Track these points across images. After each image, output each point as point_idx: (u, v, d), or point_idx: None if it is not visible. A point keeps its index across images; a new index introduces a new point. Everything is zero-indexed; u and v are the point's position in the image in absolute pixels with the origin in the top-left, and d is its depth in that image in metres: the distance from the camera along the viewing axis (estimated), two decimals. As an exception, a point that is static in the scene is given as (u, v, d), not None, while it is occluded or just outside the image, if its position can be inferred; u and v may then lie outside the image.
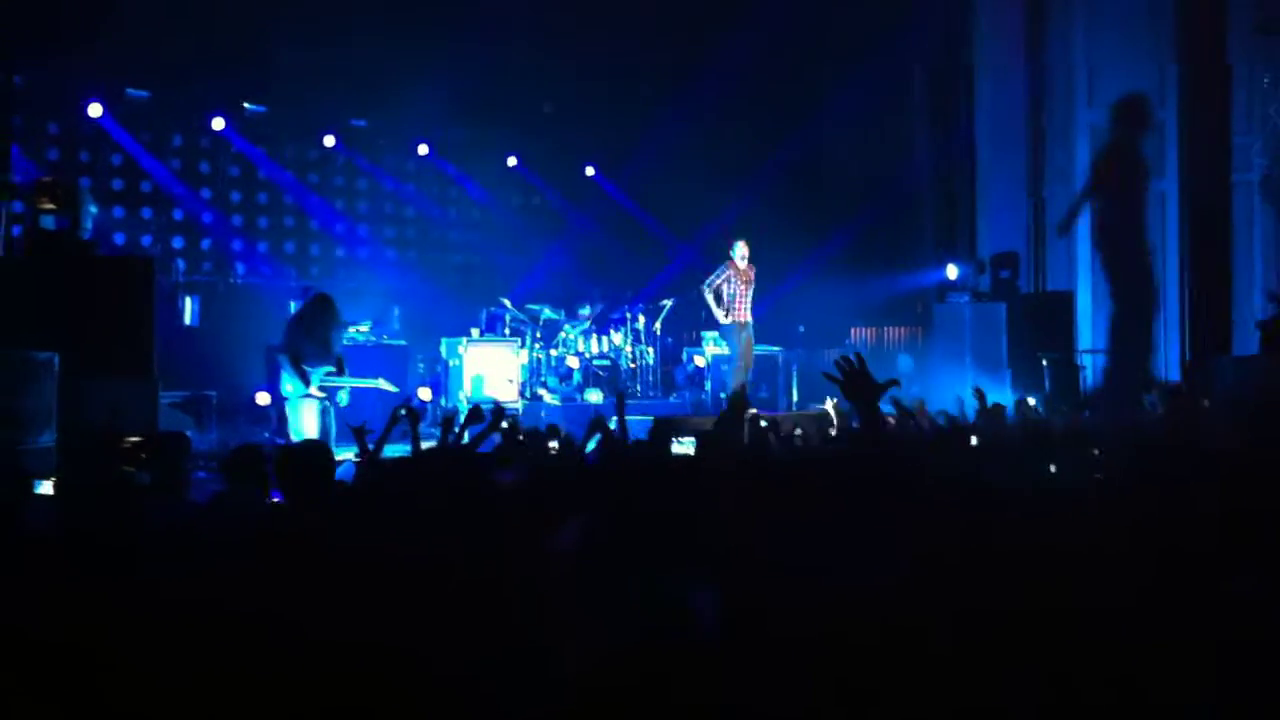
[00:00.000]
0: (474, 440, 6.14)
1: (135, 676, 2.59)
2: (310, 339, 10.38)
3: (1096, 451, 5.34)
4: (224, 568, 3.32)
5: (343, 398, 10.56)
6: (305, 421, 10.08)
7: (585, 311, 15.64)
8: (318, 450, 5.04)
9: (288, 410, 10.28)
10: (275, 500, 5.66)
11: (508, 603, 2.79)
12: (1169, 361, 15.26)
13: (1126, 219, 15.49)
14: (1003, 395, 11.75)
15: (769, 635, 2.53)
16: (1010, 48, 16.66)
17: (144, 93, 14.86)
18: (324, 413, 10.17)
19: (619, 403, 7.13)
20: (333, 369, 10.42)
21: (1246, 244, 15.13)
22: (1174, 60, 15.25)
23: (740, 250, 13.42)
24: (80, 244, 10.62)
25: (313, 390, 10.11)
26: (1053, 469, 4.84)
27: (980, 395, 8.52)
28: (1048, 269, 16.26)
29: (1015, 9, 16.61)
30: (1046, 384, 14.09)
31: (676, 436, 6.96)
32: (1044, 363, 14.29)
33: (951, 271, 16.40)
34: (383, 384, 11.15)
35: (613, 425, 6.31)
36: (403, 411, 6.03)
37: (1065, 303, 15.40)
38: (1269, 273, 14.91)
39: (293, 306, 13.96)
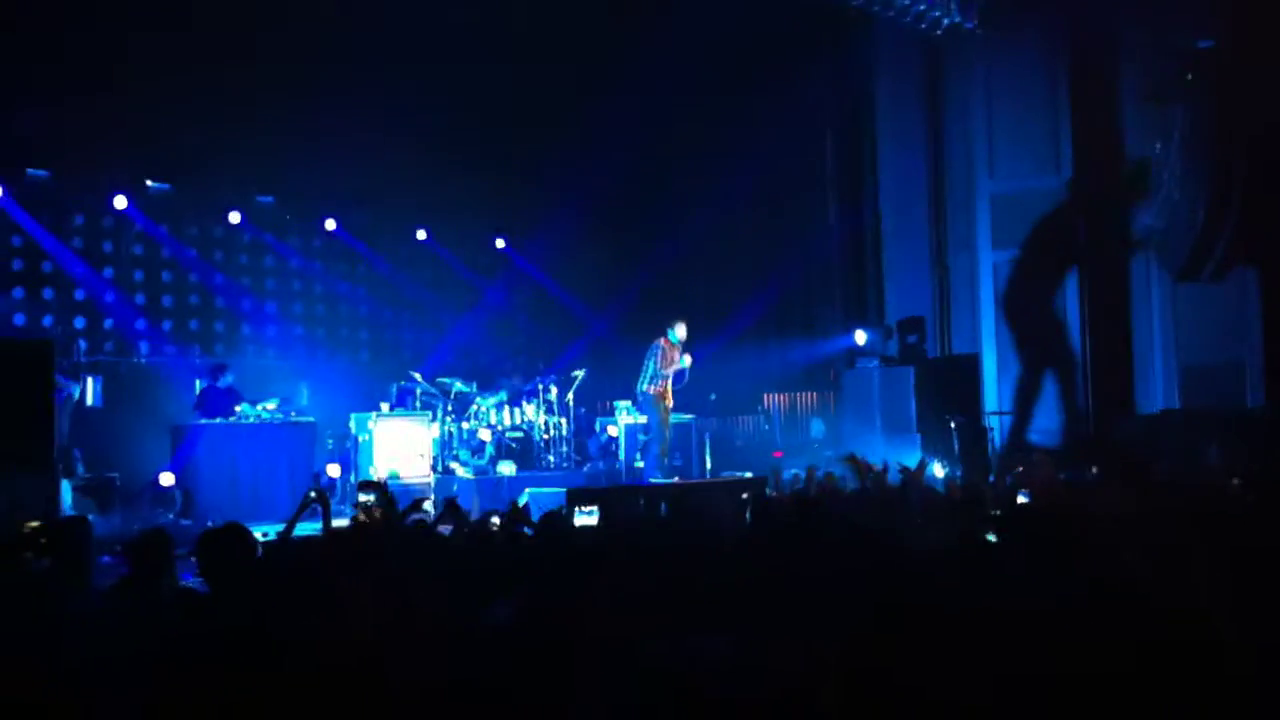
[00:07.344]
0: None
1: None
2: None
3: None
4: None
5: None
6: None
7: (503, 395, 15.43)
8: (239, 533, 4.99)
9: None
10: (185, 583, 5.56)
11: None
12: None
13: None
14: (912, 459, 11.87)
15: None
16: (911, 117, 17.03)
17: (44, 173, 14.58)
18: None
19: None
20: None
21: (1145, 306, 15.42)
22: (1069, 129, 15.64)
23: (679, 332, 13.32)
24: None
25: None
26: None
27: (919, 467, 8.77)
28: (953, 333, 16.52)
29: (914, 78, 16.97)
30: (955, 447, 14.22)
31: (580, 506, 7.06)
32: (951, 426, 14.42)
33: (860, 337, 16.58)
34: None
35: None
36: (313, 494, 6.01)
37: (971, 366, 15.61)
38: (1167, 331, 15.23)
39: (198, 385, 13.76)
